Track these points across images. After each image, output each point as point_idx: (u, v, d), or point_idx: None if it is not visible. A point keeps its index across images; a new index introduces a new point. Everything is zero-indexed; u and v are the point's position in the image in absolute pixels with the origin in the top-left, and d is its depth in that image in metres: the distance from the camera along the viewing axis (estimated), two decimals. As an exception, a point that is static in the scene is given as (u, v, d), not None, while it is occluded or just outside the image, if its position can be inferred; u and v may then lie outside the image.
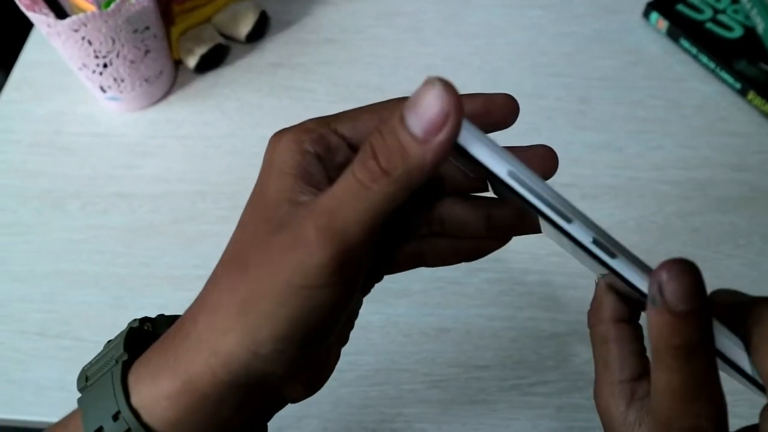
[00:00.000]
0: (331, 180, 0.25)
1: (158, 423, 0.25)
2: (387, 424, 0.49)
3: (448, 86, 0.20)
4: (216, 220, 0.59)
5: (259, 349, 0.23)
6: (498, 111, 0.27)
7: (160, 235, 0.58)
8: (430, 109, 0.20)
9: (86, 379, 0.27)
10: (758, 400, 0.24)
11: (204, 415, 0.25)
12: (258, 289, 0.23)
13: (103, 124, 0.66)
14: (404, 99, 0.23)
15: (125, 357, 0.27)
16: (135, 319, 0.29)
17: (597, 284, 0.28)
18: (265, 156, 0.27)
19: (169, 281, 0.55)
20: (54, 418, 0.51)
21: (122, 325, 0.53)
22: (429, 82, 0.21)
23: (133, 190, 0.61)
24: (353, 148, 0.26)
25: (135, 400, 0.25)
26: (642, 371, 0.27)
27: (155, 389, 0.25)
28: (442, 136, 0.21)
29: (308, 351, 0.25)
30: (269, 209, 0.25)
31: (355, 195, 0.22)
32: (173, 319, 0.29)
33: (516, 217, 0.28)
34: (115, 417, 0.25)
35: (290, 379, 0.26)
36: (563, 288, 0.54)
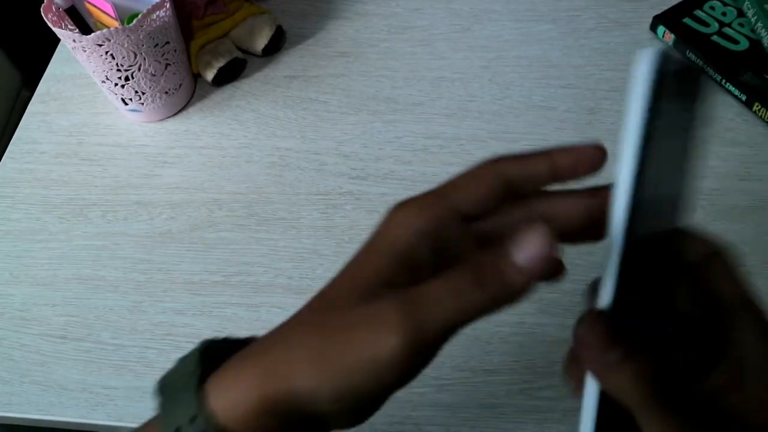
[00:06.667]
0: (435, 262, 0.27)
1: (231, 425, 0.27)
2: (397, 427, 0.50)
3: (548, 233, 0.25)
4: (232, 228, 0.60)
5: (318, 397, 0.26)
6: (587, 162, 0.28)
7: (178, 242, 0.60)
8: (534, 249, 0.25)
9: (162, 388, 0.29)
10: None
11: (268, 428, 0.27)
12: (328, 349, 0.25)
13: (125, 135, 0.68)
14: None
15: (200, 370, 0.28)
16: (206, 339, 0.31)
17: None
18: (381, 224, 0.28)
19: (187, 287, 0.57)
20: (76, 418, 0.53)
21: (141, 329, 0.55)
22: (534, 228, 0.25)
23: (152, 198, 0.63)
24: (466, 219, 0.28)
25: (211, 405, 0.27)
26: None
27: (228, 400, 0.27)
28: (536, 272, 0.25)
29: (363, 407, 0.27)
30: (362, 279, 0.27)
31: (447, 296, 0.25)
32: (243, 343, 0.31)
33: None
34: (193, 419, 0.27)
35: (340, 415, 0.28)
36: (571, 294, 0.55)
